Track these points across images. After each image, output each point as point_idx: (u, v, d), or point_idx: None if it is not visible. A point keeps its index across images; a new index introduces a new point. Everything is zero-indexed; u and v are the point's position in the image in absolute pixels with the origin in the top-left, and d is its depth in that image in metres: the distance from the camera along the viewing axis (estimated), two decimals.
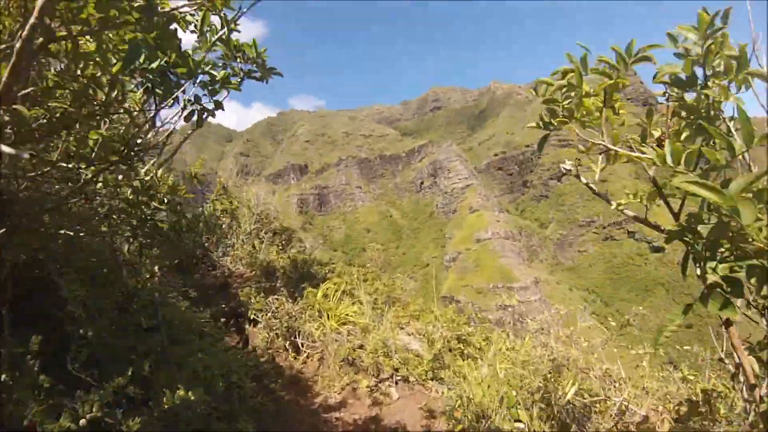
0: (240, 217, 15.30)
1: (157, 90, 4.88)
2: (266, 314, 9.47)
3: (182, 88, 4.96)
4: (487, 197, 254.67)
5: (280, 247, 15.11)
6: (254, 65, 5.74)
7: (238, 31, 5.83)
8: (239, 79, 5.81)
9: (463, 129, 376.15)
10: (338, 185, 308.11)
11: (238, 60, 5.79)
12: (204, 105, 5.23)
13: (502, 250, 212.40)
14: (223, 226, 14.17)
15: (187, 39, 5.39)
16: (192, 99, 5.21)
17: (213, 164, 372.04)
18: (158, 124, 6.76)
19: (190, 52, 4.87)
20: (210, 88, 5.18)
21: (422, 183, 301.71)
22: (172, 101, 5.05)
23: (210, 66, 5.20)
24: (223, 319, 9.09)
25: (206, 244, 12.53)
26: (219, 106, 5.43)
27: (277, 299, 9.75)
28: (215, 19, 5.33)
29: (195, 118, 5.32)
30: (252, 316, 9.66)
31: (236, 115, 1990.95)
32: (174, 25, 4.50)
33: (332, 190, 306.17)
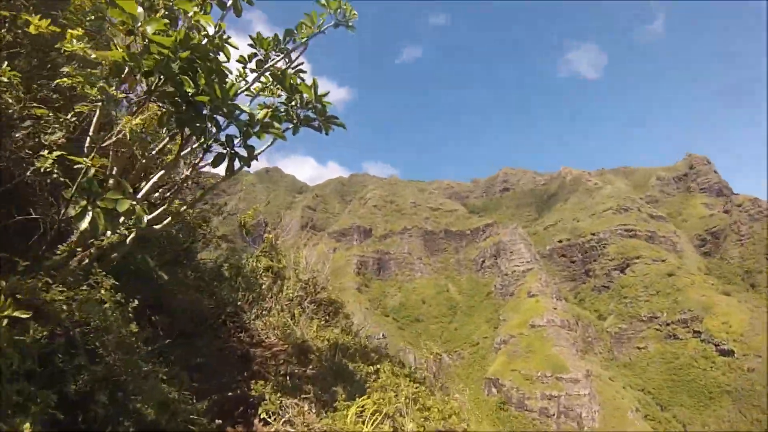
0: (285, 279, 14.16)
1: (185, 126, 4.36)
2: (280, 420, 7.59)
3: (221, 129, 4.57)
4: (546, 283, 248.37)
5: (324, 321, 13.74)
6: (312, 111, 5.46)
7: (303, 71, 5.71)
8: (293, 124, 5.53)
9: (530, 212, 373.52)
10: (400, 253, 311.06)
11: (294, 104, 5.46)
12: (235, 150, 4.58)
13: (557, 338, 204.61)
14: (263, 286, 13.11)
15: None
16: (221, 140, 4.63)
17: (281, 212, 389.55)
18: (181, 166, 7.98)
19: (230, 81, 4.40)
20: (245, 129, 4.49)
21: (483, 262, 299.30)
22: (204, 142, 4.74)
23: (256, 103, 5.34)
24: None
25: (239, 302, 11.64)
26: (251, 154, 4.73)
27: (297, 404, 7.98)
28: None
29: (225, 164, 4.60)
30: (263, 416, 7.96)
31: (311, 170, 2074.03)
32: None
33: (393, 257, 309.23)
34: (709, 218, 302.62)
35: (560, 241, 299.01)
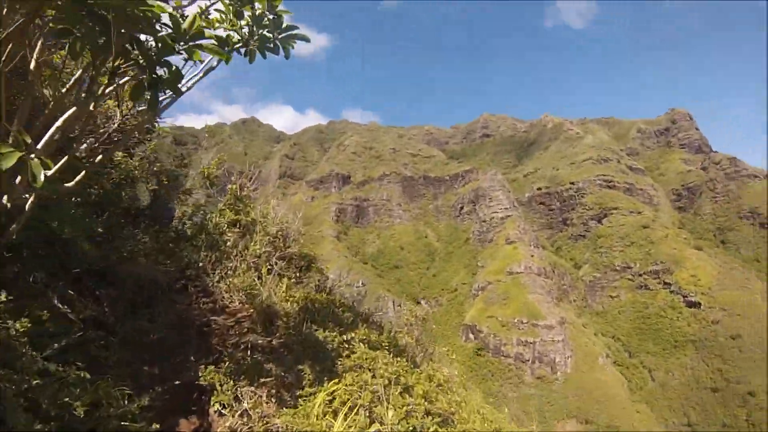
0: (253, 233, 12.80)
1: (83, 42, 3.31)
2: (235, 412, 6.59)
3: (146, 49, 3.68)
4: (525, 230, 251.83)
5: (295, 279, 12.70)
6: (267, 29, 4.73)
7: None
8: (237, 42, 4.82)
9: (509, 159, 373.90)
10: (378, 200, 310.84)
11: (246, 22, 4.77)
12: (156, 74, 3.66)
13: (533, 285, 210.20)
14: (228, 243, 11.89)
15: None
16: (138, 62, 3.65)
17: (259, 162, 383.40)
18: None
19: None
20: (160, 45, 3.52)
21: (462, 208, 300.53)
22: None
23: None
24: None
25: (201, 264, 10.54)
26: (175, 78, 3.78)
27: (254, 392, 6.89)
28: None
29: (148, 97, 3.71)
30: (216, 407, 6.97)
31: (289, 119, 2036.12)
32: None
33: (372, 204, 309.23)
34: (686, 174, 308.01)
35: (539, 189, 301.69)
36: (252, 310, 9.57)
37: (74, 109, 4.13)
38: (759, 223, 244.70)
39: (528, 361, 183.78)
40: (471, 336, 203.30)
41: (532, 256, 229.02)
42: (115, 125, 6.69)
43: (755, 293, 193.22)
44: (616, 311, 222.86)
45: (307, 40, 4.72)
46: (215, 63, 4.93)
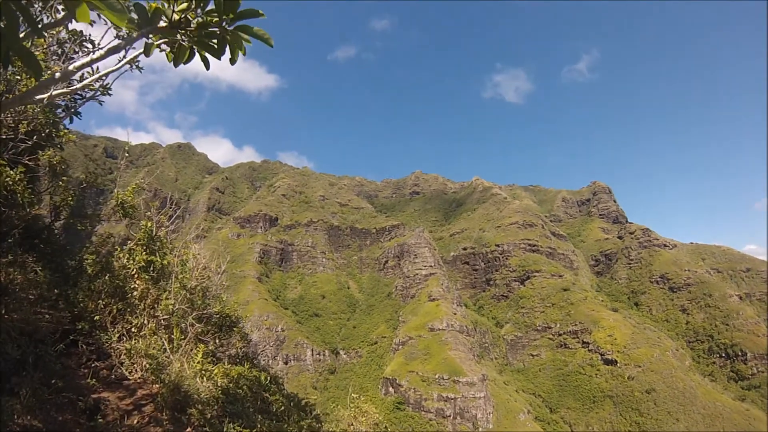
0: (167, 282, 10.62)
1: None
2: None
3: None
4: (448, 288, 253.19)
5: (214, 345, 10.87)
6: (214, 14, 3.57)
7: None
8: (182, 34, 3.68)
9: (437, 217, 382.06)
10: (303, 246, 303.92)
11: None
12: None
13: (454, 342, 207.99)
14: (135, 293, 9.73)
15: None
16: None
17: (188, 191, 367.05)
18: None
19: None
20: None
21: (386, 262, 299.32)
22: None
23: None
24: None
25: (99, 315, 8.54)
26: (12, 26, 2.78)
27: None
28: None
29: None
30: None
31: (226, 152, 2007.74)
32: None
33: (297, 249, 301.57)
34: (604, 241, 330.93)
35: (465, 249, 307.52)
36: (158, 387, 7.70)
37: None
38: (668, 287, 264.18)
39: (449, 416, 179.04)
40: (391, 389, 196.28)
41: (455, 313, 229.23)
42: None
43: (666, 350, 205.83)
44: (537, 369, 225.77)
45: (268, 43, 3.58)
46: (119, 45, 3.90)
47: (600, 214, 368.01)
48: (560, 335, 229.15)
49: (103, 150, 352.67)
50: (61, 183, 10.41)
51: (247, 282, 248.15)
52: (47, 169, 10.18)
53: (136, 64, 7.99)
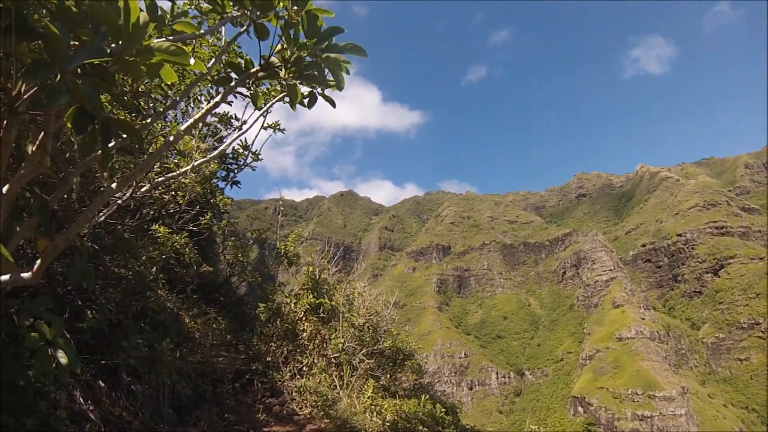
0: (336, 322, 11.23)
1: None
2: None
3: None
4: (632, 292, 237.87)
5: (384, 381, 10.93)
6: (306, 50, 3.65)
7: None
8: (252, 82, 4.21)
9: (609, 216, 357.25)
10: (479, 269, 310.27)
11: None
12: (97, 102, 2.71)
13: (646, 351, 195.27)
14: (305, 334, 10.45)
15: None
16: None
17: (358, 234, 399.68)
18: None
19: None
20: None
21: (564, 273, 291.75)
22: None
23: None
24: None
25: (269, 358, 9.40)
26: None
27: None
28: None
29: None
30: None
31: (389, 193, 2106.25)
32: None
33: (473, 274, 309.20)
34: None
35: (644, 246, 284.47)
36: (325, 423, 8.10)
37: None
38: None
39: None
40: (580, 409, 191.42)
41: (643, 318, 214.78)
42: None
43: None
44: (747, 376, 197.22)
45: (363, 54, 3.59)
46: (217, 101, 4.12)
47: None
48: None
49: (274, 210, 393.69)
50: (230, 243, 11.89)
51: (427, 313, 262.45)
52: (220, 233, 11.99)
53: (278, 127, 9.07)
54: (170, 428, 6.22)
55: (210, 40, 5.98)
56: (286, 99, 4.07)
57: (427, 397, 10.47)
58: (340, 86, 3.79)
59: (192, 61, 2.83)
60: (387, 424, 8.36)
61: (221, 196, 11.57)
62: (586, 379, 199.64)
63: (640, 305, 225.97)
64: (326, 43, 3.52)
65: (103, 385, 5.16)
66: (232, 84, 3.90)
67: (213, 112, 8.40)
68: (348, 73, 3.75)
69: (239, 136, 5.72)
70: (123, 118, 5.92)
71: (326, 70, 3.73)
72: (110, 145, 2.66)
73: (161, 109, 6.92)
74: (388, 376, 11.25)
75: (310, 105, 4.17)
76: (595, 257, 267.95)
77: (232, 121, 11.13)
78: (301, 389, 8.62)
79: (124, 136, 2.96)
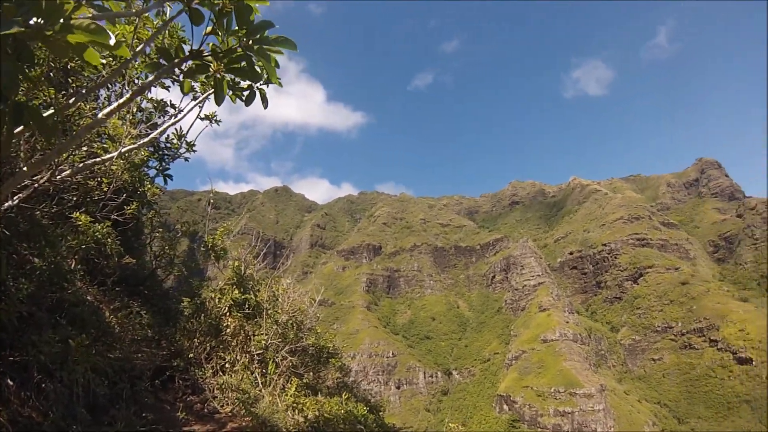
0: (260, 318, 10.86)
1: None
2: None
3: None
4: (558, 296, 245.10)
5: (306, 378, 10.84)
6: (235, 36, 3.65)
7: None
8: (185, 71, 3.91)
9: (540, 224, 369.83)
10: (410, 270, 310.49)
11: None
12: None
13: (569, 352, 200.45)
14: (228, 330, 10.13)
15: None
16: None
17: (290, 231, 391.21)
18: None
19: None
20: None
21: (494, 277, 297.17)
22: None
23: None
24: None
25: (191, 354, 8.99)
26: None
27: None
28: None
29: None
30: None
31: (324, 191, 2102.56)
32: None
33: (403, 275, 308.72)
34: (721, 223, 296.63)
35: (571, 253, 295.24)
36: (247, 421, 7.87)
37: None
38: None
39: None
40: (505, 407, 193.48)
41: (567, 322, 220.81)
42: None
43: None
44: (660, 374, 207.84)
45: (293, 47, 3.53)
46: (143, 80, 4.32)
47: (712, 194, 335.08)
48: (683, 335, 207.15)
49: (207, 202, 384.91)
50: (158, 234, 11.51)
51: (356, 312, 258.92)
52: (148, 223, 11.59)
53: (215, 118, 8.65)
54: (84, 429, 5.77)
55: (155, 22, 5.51)
56: (236, 95, 4.14)
57: (350, 395, 10.65)
58: (271, 79, 3.83)
59: (112, 41, 2.75)
60: (308, 422, 8.29)
61: (150, 186, 10.89)
62: (512, 378, 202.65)
63: (565, 309, 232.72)
64: (258, 35, 3.51)
65: (11, 383, 4.95)
66: (160, 71, 3.80)
67: (149, 98, 9.54)
68: (278, 66, 3.77)
69: (172, 124, 5.60)
70: (50, 94, 6.27)
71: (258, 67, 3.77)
72: (18, 130, 2.76)
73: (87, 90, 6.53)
74: (312, 373, 11.36)
75: (248, 101, 4.06)
76: (525, 263, 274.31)
77: (168, 108, 10.42)
78: (223, 386, 8.46)
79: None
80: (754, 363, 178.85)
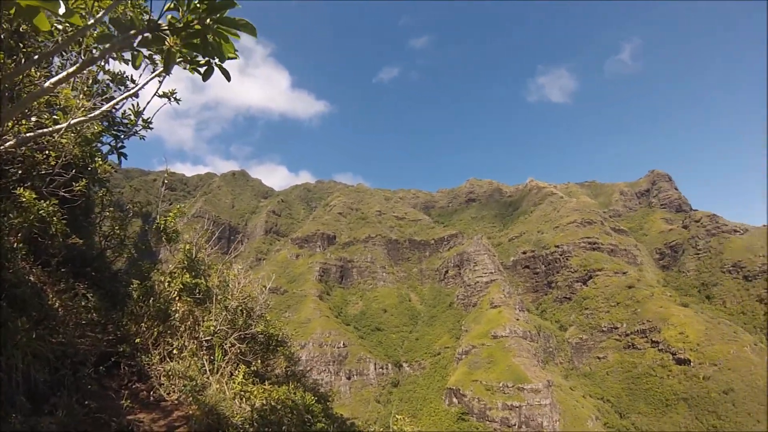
0: (210, 304, 10.67)
1: None
2: None
3: None
4: (509, 294, 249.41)
5: (255, 366, 10.61)
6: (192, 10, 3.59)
7: None
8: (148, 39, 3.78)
9: (495, 223, 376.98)
10: (363, 261, 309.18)
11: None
12: None
13: (518, 349, 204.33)
14: (177, 315, 9.86)
15: None
16: None
17: (245, 216, 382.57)
18: None
19: None
20: None
21: (447, 272, 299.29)
22: None
23: None
24: None
25: (138, 339, 8.77)
26: None
27: None
28: None
29: None
30: None
31: (282, 178, 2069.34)
32: None
33: (356, 265, 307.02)
34: (668, 233, 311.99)
35: (524, 253, 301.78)
36: (193, 410, 7.57)
37: None
38: (743, 276, 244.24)
39: (514, 425, 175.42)
40: (454, 400, 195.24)
41: (518, 319, 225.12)
42: None
43: (744, 345, 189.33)
44: (604, 372, 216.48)
45: (253, 33, 3.39)
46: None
47: (661, 204, 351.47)
48: (627, 335, 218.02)
49: (161, 183, 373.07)
50: (108, 214, 11.06)
51: (308, 301, 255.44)
52: (99, 202, 11.02)
53: (174, 96, 8.50)
54: (23, 417, 5.56)
55: None
56: (194, 68, 4.10)
57: (298, 384, 10.64)
58: (222, 58, 3.79)
59: (62, 10, 2.67)
60: (255, 410, 8.08)
61: (102, 162, 10.21)
62: (462, 372, 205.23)
63: (516, 307, 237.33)
64: (218, 14, 3.50)
65: None
66: (113, 41, 3.79)
67: (106, 69, 9.07)
68: (234, 49, 3.78)
69: (125, 97, 5.50)
70: None
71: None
72: None
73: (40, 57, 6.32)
74: (260, 361, 11.10)
75: (206, 76, 4.06)
76: (478, 259, 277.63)
77: (129, 83, 9.74)
78: (170, 373, 8.27)
79: None
80: (691, 364, 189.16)
